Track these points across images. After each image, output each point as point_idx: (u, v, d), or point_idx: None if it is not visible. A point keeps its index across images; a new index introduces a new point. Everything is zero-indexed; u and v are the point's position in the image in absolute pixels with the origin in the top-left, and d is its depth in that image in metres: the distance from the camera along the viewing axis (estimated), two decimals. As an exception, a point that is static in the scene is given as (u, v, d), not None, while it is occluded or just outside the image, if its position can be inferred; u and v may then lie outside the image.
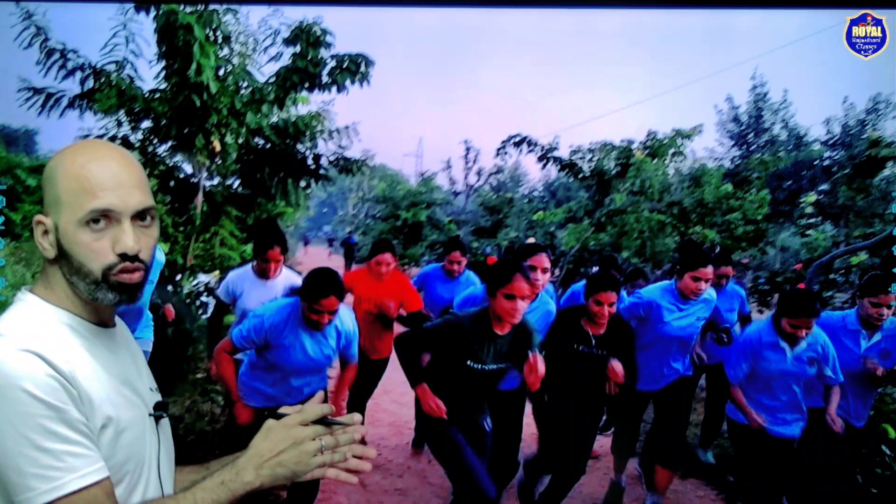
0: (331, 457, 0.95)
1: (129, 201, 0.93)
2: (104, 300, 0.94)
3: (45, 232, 0.94)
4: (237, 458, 0.95)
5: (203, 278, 6.07)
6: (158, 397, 1.07)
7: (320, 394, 1.12)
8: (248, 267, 3.59)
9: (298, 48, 5.58)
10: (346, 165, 6.40)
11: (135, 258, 0.94)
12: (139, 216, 0.95)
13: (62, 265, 0.94)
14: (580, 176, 8.17)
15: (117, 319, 1.06)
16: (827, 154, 14.26)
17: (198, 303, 5.77)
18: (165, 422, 1.06)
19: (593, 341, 3.14)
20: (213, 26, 5.21)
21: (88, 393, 0.88)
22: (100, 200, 0.91)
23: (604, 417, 4.03)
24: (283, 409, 0.98)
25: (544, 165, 8.26)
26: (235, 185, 6.62)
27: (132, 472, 0.95)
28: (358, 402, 4.14)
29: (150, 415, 1.01)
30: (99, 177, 0.92)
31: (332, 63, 5.72)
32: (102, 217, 0.92)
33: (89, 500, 0.84)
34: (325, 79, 5.76)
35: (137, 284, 0.95)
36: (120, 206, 0.92)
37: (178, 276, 5.91)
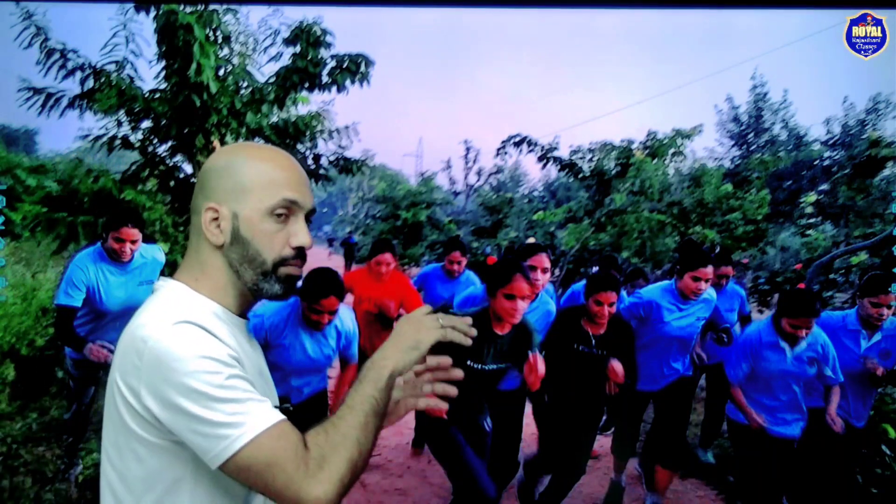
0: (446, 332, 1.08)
1: (308, 199, 0.99)
2: (270, 291, 0.98)
3: (215, 219, 0.96)
4: (382, 351, 1.07)
5: (203, 278, 6.06)
6: None
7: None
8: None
9: (298, 48, 5.56)
10: (346, 165, 6.38)
11: (304, 254, 0.99)
12: (307, 216, 1.01)
13: (230, 252, 0.97)
14: (580, 176, 8.16)
15: None
16: (827, 154, 14.28)
17: (198, 303, 5.77)
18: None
19: (593, 341, 3.14)
20: (213, 26, 5.19)
21: (246, 376, 0.91)
22: (293, 192, 0.97)
23: (604, 417, 4.03)
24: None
25: (544, 165, 8.24)
26: (235, 185, 6.60)
27: None
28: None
29: (274, 406, 1.04)
30: (288, 171, 0.98)
31: (332, 63, 5.70)
32: (286, 209, 0.96)
33: (280, 434, 0.86)
34: (325, 79, 5.74)
35: (298, 278, 1.01)
36: (303, 201, 0.98)
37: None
